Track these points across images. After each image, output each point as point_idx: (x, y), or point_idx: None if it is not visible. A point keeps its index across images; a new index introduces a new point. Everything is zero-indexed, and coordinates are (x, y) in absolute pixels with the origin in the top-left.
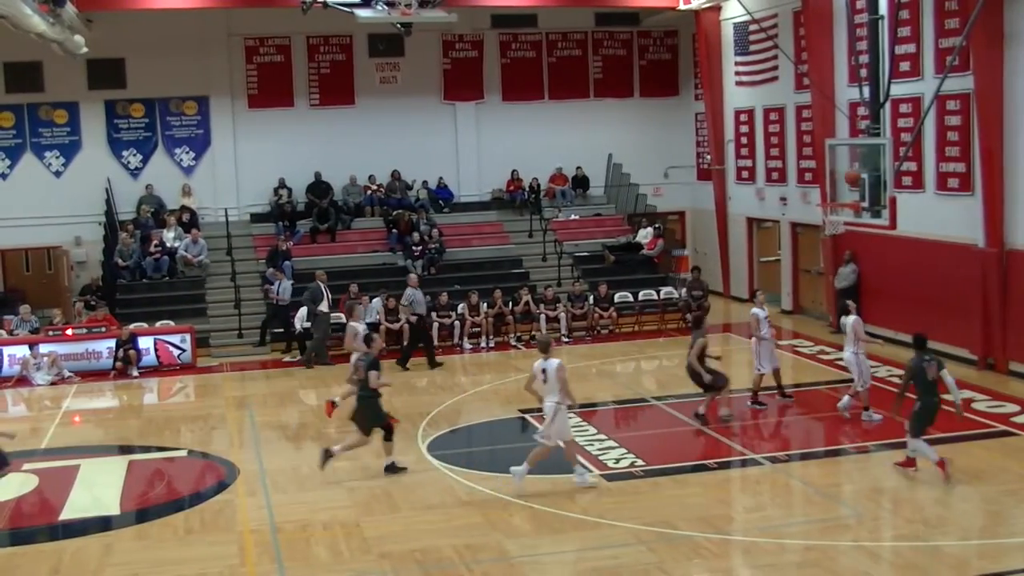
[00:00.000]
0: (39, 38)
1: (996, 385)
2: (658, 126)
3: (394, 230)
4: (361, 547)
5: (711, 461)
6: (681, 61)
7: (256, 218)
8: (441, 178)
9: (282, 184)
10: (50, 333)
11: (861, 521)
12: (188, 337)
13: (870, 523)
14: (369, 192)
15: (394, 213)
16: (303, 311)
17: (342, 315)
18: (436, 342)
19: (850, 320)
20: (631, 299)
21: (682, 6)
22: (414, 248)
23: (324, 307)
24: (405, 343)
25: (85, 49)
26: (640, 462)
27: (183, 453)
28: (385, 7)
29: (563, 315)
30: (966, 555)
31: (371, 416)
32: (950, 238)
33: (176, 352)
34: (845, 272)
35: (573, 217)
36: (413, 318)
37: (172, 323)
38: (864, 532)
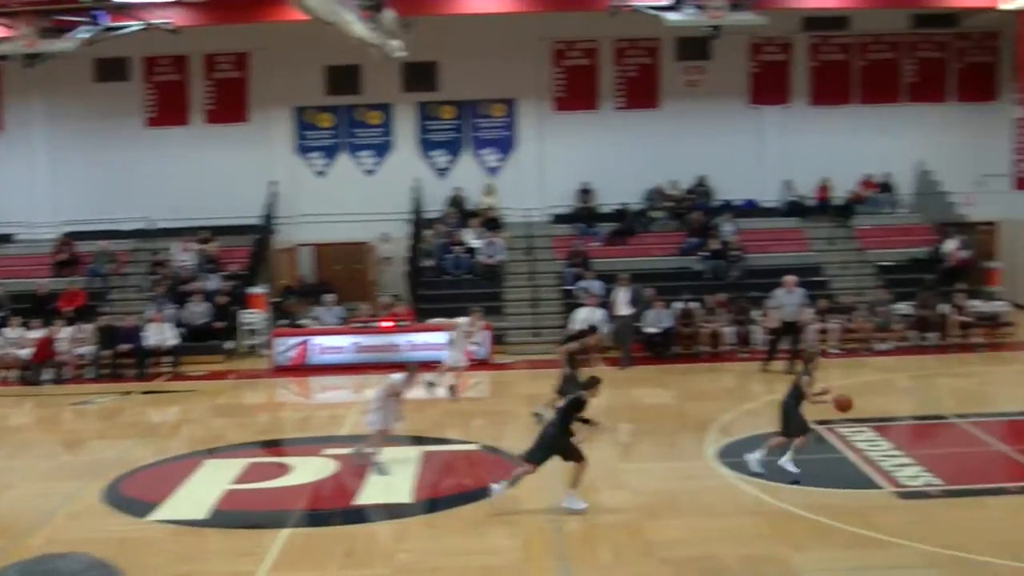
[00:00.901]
0: (359, 43)
1: None
2: (973, 132)
3: (692, 237)
4: (644, 550)
5: (1013, 484)
6: (1001, 64)
7: (558, 219)
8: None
9: (585, 187)
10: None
11: None
12: (487, 335)
13: None
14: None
15: (690, 216)
16: (584, 311)
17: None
18: None
19: None
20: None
21: (1004, 6)
22: (705, 252)
23: (625, 310)
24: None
25: (402, 53)
26: (937, 480)
27: (475, 447)
28: (695, 10)
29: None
30: None
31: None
32: None
33: (474, 348)
34: None
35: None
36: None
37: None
38: None
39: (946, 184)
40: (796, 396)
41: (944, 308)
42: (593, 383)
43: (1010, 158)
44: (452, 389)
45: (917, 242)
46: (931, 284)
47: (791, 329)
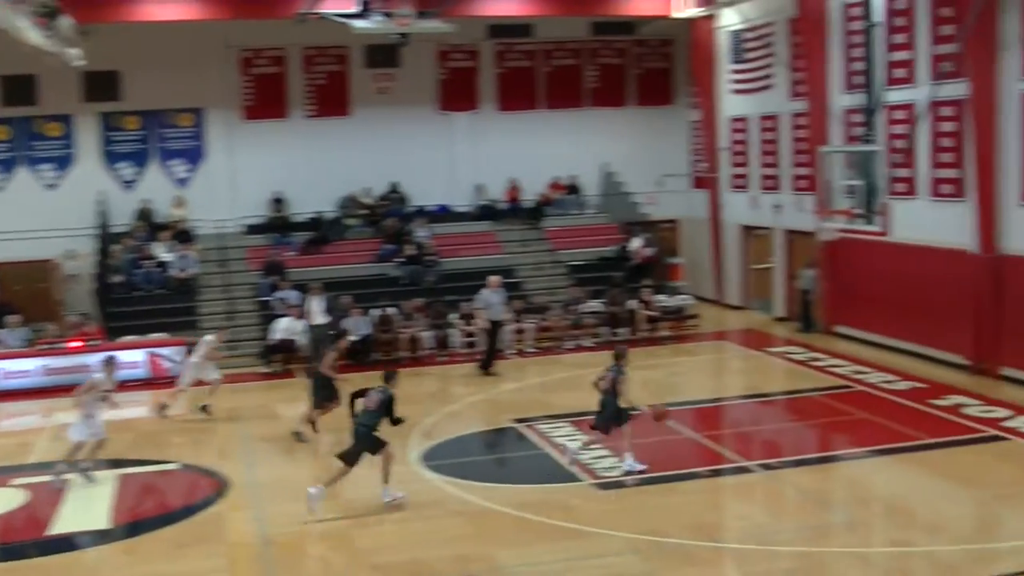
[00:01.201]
0: (34, 51)
1: (987, 390)
2: (653, 135)
3: (387, 244)
4: (352, 559)
5: (703, 469)
6: (676, 70)
7: (252, 229)
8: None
9: (277, 196)
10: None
11: (853, 527)
12: (181, 350)
13: (862, 529)
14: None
15: (385, 223)
16: (282, 322)
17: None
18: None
19: None
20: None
21: (677, 14)
22: (401, 258)
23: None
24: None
25: (81, 62)
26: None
27: (175, 466)
28: (382, 18)
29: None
30: (958, 560)
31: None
32: (943, 244)
33: (168, 365)
34: (808, 275)
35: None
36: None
37: (166, 336)
38: (856, 538)
39: (630, 185)
40: (615, 392)
41: (632, 304)
42: (392, 377)
43: (688, 159)
44: (162, 407)
45: (604, 241)
46: (619, 281)
47: (496, 328)
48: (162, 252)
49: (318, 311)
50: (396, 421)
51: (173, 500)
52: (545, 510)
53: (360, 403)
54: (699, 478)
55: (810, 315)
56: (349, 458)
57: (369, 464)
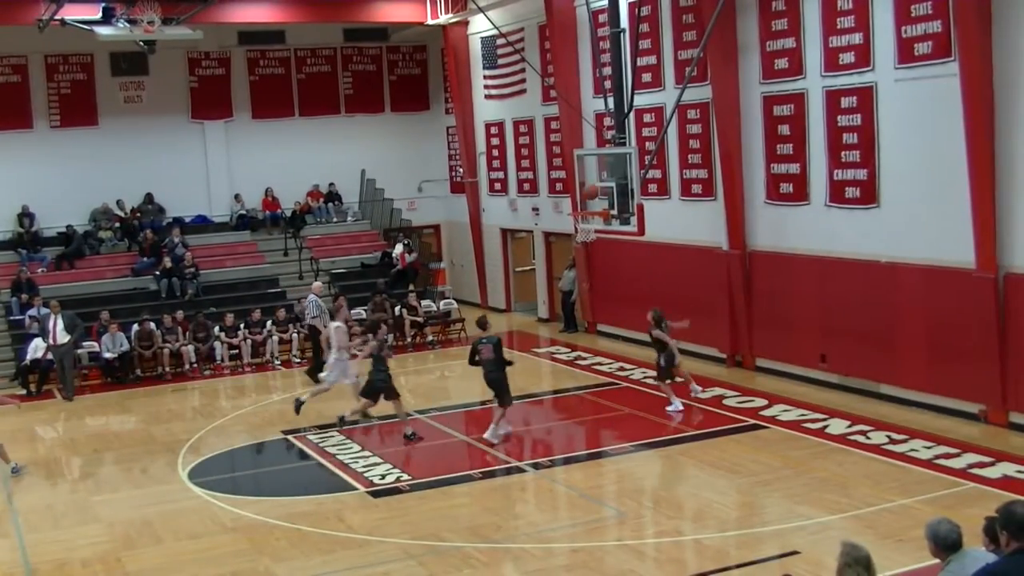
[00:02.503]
0: None
1: (744, 381)
2: (411, 141)
3: (144, 256)
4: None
5: (476, 471)
6: (431, 75)
7: None
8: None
9: (25, 210)
10: None
11: (624, 520)
12: None
13: (633, 521)
14: (118, 217)
15: (141, 236)
16: (36, 342)
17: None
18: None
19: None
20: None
21: (430, 21)
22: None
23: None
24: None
25: None
26: (406, 476)
27: None
28: (126, 24)
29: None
30: (725, 546)
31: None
32: (696, 242)
33: None
34: (569, 276)
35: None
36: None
37: None
38: (628, 531)
39: (389, 191)
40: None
41: (397, 310)
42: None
43: (446, 164)
44: None
45: (366, 248)
46: (383, 288)
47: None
48: None
49: (59, 329)
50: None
51: None
52: (320, 521)
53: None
54: (472, 481)
55: (572, 315)
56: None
57: (127, 485)
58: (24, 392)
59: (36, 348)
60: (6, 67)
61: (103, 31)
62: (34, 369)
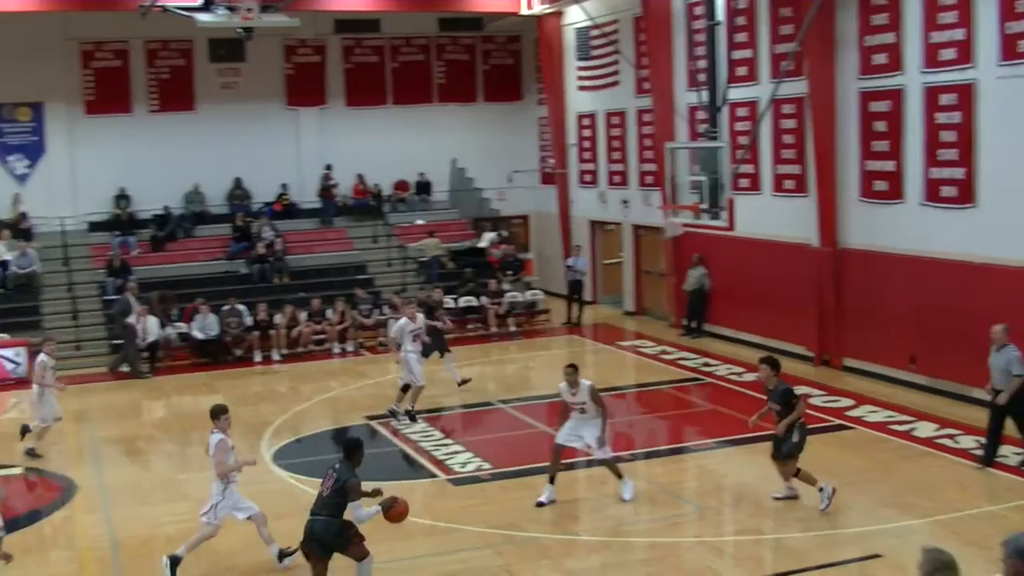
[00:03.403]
0: None
1: (831, 380)
2: (502, 131)
3: (237, 239)
4: (208, 560)
5: (545, 464)
6: (524, 66)
7: (95, 227)
8: (283, 194)
9: (122, 192)
10: None
11: (704, 517)
12: (23, 351)
13: (713, 518)
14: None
15: (240, 220)
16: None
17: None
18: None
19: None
20: (476, 303)
21: (524, 11)
22: (250, 255)
23: (132, 319)
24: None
25: None
26: (487, 465)
27: (18, 470)
28: (225, 11)
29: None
30: (805, 547)
31: None
32: (786, 238)
33: (11, 367)
34: (695, 275)
35: (418, 222)
36: None
37: (7, 336)
38: (707, 528)
39: (479, 181)
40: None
41: (484, 299)
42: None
43: (536, 155)
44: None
45: (455, 237)
46: (471, 277)
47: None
48: (1, 250)
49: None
50: None
51: (18, 505)
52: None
53: None
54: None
55: (701, 317)
56: None
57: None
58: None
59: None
60: (108, 52)
61: (202, 17)
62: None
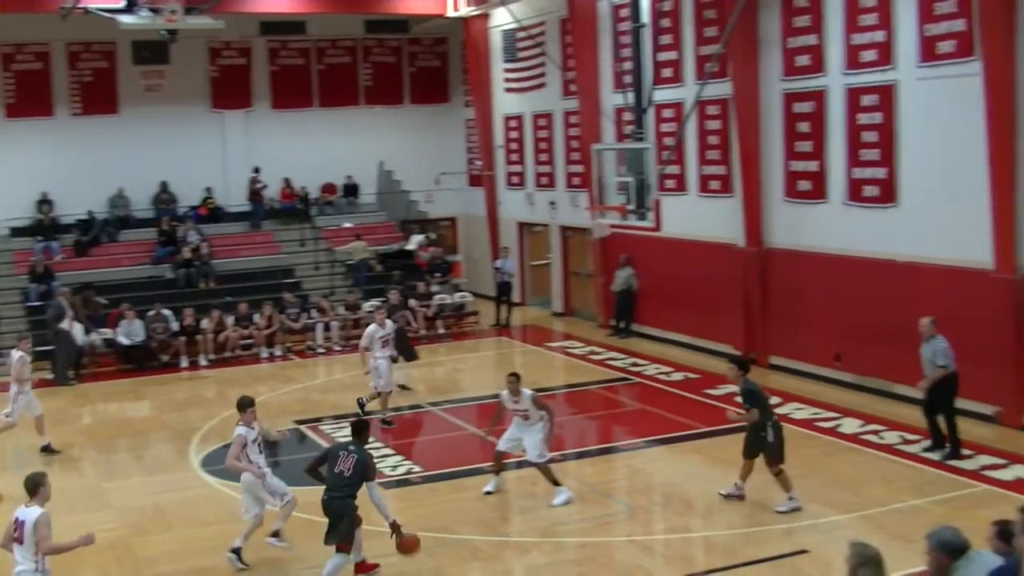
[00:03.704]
0: None
1: (758, 379)
2: (429, 133)
3: (162, 243)
4: (133, 569)
5: (487, 465)
6: (451, 68)
7: (17, 232)
8: (208, 198)
9: (44, 197)
10: None
11: (634, 516)
12: None
13: (643, 517)
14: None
15: (165, 224)
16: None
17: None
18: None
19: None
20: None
21: (451, 13)
22: (176, 260)
23: (66, 324)
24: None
25: None
26: (417, 468)
27: None
28: (149, 13)
29: (335, 324)
30: (734, 544)
31: None
32: (712, 238)
33: None
34: (623, 276)
35: (346, 225)
36: None
37: None
38: (638, 527)
39: (407, 183)
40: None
41: (412, 302)
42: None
43: (464, 157)
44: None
45: (383, 240)
46: (400, 279)
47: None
48: None
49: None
50: None
51: None
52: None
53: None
54: (482, 474)
55: (628, 317)
56: None
57: (139, 472)
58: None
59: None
60: (28, 54)
61: (125, 19)
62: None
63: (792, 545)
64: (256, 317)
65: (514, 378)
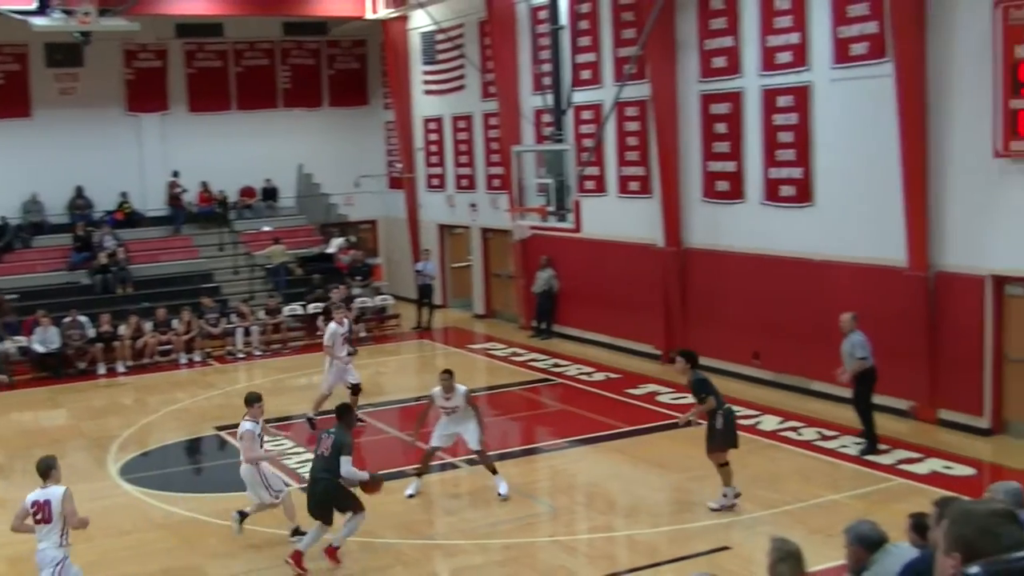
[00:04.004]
0: None
1: (678, 378)
2: (348, 136)
3: (78, 249)
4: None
5: (410, 467)
6: (370, 70)
7: None
8: (124, 202)
9: None
10: None
11: (557, 516)
12: None
13: (566, 517)
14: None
15: (80, 230)
16: None
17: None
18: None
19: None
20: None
21: (370, 15)
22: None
23: None
24: None
25: None
26: None
27: None
28: (62, 15)
29: (255, 328)
30: (656, 542)
31: None
32: (632, 239)
33: None
34: (543, 277)
35: (265, 229)
36: None
37: None
38: (561, 527)
39: (327, 186)
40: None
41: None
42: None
43: (384, 159)
44: None
45: (303, 243)
46: (320, 283)
47: None
48: None
49: None
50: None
51: None
52: (253, 517)
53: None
54: (405, 477)
55: (551, 318)
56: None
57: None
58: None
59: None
60: None
61: (38, 21)
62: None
63: (714, 542)
64: (175, 323)
65: (448, 375)
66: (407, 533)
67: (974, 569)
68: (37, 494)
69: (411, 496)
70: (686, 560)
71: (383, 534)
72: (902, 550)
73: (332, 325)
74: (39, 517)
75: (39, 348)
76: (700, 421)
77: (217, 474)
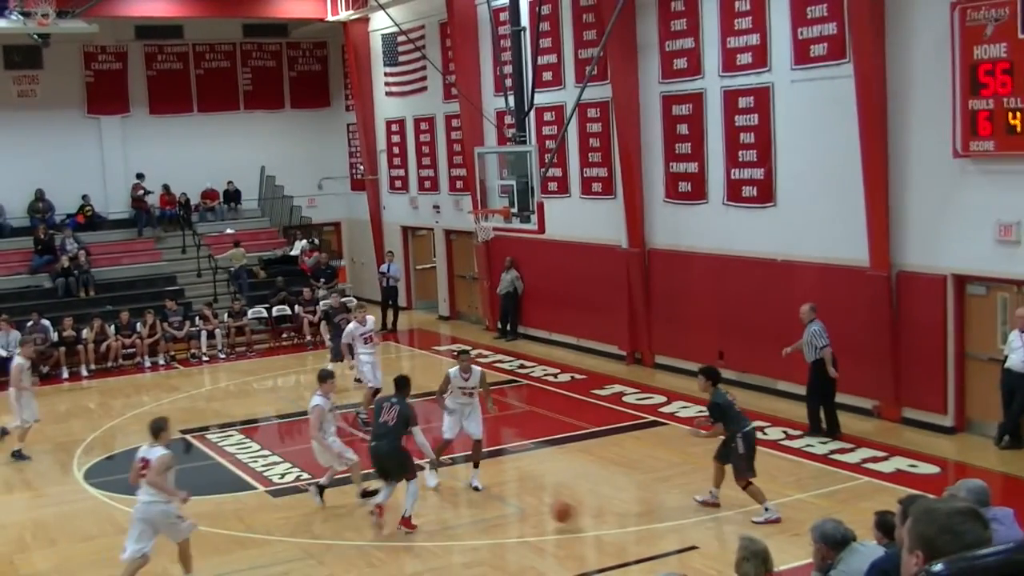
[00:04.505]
0: None
1: (644, 378)
2: (311, 138)
3: (39, 252)
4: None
5: (365, 472)
6: (331, 72)
7: None
8: (85, 205)
9: None
10: None
11: (525, 517)
12: None
13: (534, 518)
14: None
15: (42, 233)
16: None
17: None
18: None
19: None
20: (289, 312)
21: (330, 17)
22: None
23: None
24: None
25: None
26: (306, 476)
27: None
28: (20, 17)
29: (219, 331)
30: (624, 542)
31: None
32: (595, 240)
33: None
34: (507, 278)
35: (228, 231)
36: None
37: None
38: (529, 528)
39: (289, 188)
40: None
41: (298, 308)
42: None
43: (346, 161)
44: None
45: (267, 245)
46: (283, 286)
47: None
48: None
49: None
50: None
51: None
52: (219, 521)
53: None
54: (372, 479)
55: (514, 320)
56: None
57: (20, 486)
58: None
59: None
60: None
61: None
62: None
63: (681, 542)
64: (138, 326)
65: (466, 355)
66: (374, 535)
67: (938, 567)
68: (144, 451)
69: (434, 488)
70: (655, 560)
71: (350, 536)
72: (869, 548)
73: (351, 324)
74: (143, 472)
75: (1, 352)
76: (703, 432)
77: (183, 478)
